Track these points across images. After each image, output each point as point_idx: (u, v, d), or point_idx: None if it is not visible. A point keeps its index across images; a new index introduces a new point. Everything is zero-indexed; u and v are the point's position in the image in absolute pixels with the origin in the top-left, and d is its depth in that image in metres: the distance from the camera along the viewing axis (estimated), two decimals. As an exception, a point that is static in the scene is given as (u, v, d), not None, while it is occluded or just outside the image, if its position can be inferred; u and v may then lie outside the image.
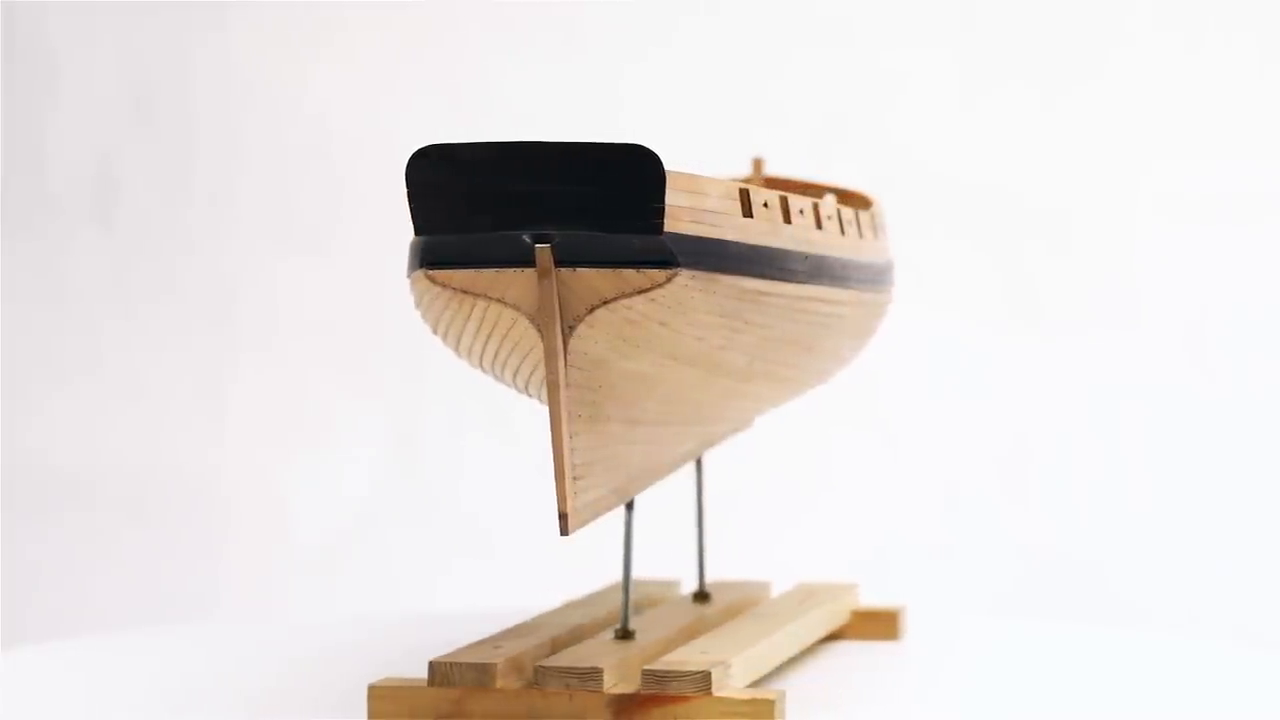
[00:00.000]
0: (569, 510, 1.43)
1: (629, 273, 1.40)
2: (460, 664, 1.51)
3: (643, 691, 1.47)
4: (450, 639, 1.69)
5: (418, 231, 1.41)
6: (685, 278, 1.41)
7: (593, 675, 1.48)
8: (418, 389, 2.97)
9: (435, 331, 1.53)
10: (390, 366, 2.98)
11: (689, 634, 1.67)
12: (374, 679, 1.57)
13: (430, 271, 1.44)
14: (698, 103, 2.96)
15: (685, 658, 1.52)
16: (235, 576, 3.01)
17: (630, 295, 1.41)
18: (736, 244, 1.45)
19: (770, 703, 1.45)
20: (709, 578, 1.94)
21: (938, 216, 2.85)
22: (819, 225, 1.59)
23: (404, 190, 1.41)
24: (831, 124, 2.90)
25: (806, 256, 1.55)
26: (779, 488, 2.87)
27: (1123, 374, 2.84)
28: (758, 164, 2.05)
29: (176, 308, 3.03)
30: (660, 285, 1.40)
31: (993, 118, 2.89)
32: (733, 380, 1.59)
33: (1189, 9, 2.85)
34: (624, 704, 1.48)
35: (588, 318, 1.42)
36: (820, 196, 1.95)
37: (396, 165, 1.44)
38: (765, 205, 1.50)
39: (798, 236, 1.54)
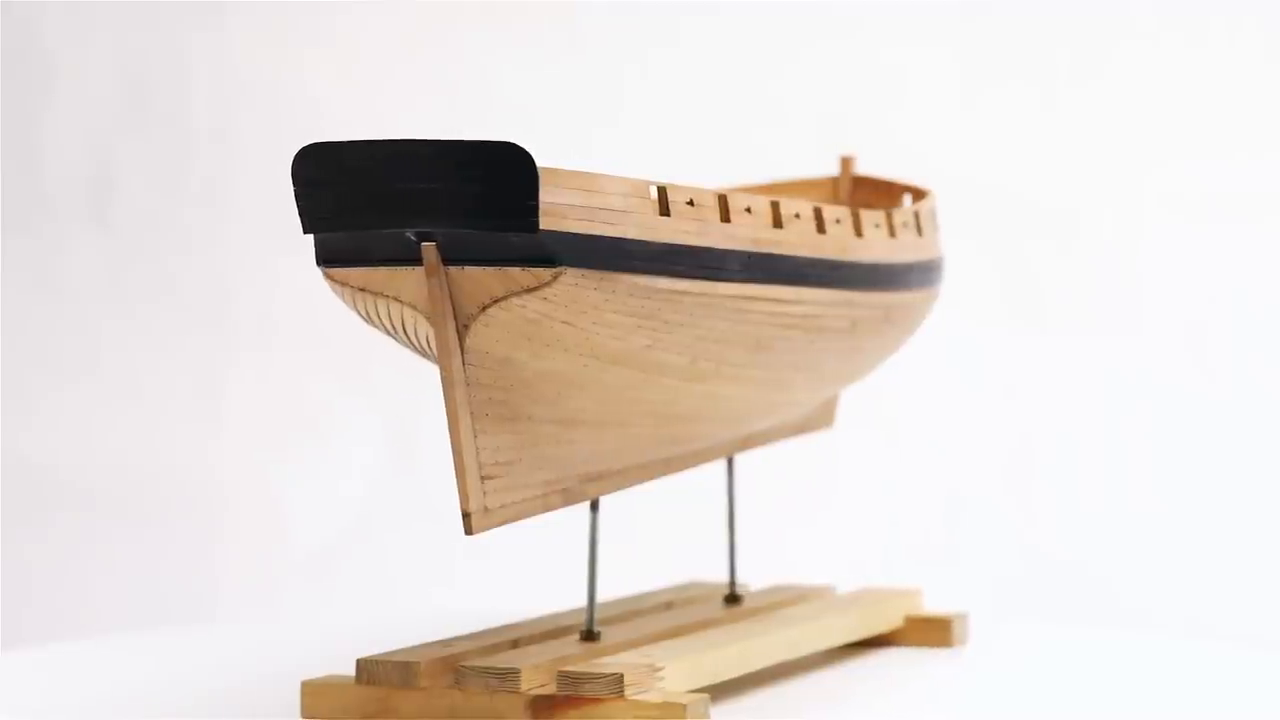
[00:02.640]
0: (472, 509, 1.43)
1: (515, 271, 1.40)
2: (386, 662, 1.52)
3: (559, 693, 1.47)
4: (436, 639, 1.68)
5: (304, 230, 1.43)
6: (574, 276, 1.40)
7: (510, 676, 1.48)
8: (415, 389, 2.96)
9: (369, 324, 1.54)
10: (387, 366, 2.96)
11: (663, 637, 1.66)
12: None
13: (328, 270, 1.46)
14: (698, 102, 2.95)
15: (611, 660, 1.52)
16: (232, 577, 3.00)
17: (520, 294, 1.40)
18: (643, 242, 1.44)
19: (681, 707, 1.44)
20: (775, 580, 1.94)
21: (940, 216, 2.84)
22: (777, 224, 1.57)
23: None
24: (832, 123, 2.89)
25: (749, 255, 1.53)
26: (781, 489, 2.86)
27: (1127, 374, 2.83)
28: (846, 162, 2.03)
29: (173, 307, 3.02)
30: (548, 284, 1.40)
31: (994, 117, 2.88)
32: (683, 381, 1.57)
33: (1193, 7, 2.84)
34: (541, 705, 1.48)
35: (481, 316, 1.42)
36: (899, 196, 1.93)
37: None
38: (690, 203, 1.48)
39: (738, 235, 1.52)
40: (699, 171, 2.50)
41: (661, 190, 1.47)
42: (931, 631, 1.88)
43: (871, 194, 1.98)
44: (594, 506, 1.62)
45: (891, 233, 1.74)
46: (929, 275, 1.85)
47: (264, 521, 3.00)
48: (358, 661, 1.53)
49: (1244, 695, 1.72)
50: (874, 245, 1.71)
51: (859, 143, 2.86)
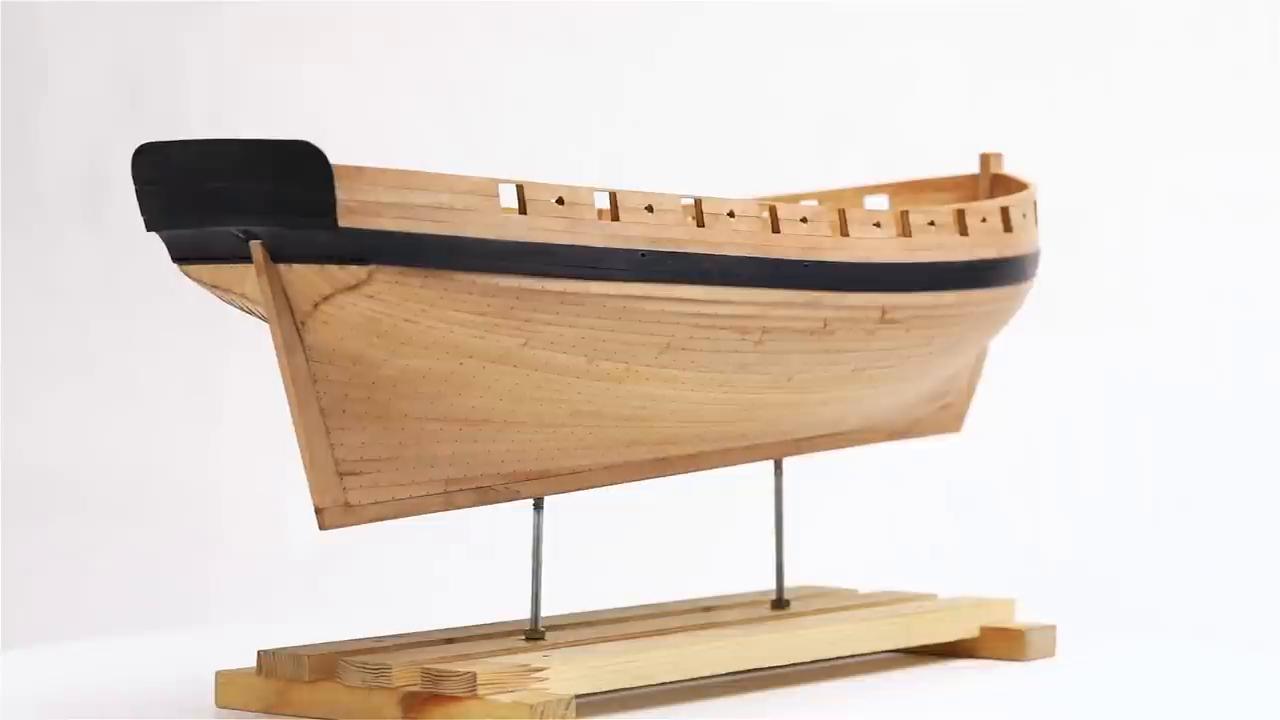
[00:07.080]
0: (325, 505, 1.46)
1: (333, 268, 1.41)
2: (282, 655, 1.54)
3: (423, 690, 1.49)
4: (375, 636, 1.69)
5: (146, 228, 1.45)
6: (392, 274, 1.41)
7: (383, 672, 1.50)
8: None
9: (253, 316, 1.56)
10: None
11: (622, 638, 1.64)
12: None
13: (181, 266, 1.48)
14: (699, 101, 2.94)
15: (487, 661, 1.52)
16: (228, 578, 3.00)
17: (345, 291, 1.42)
18: (484, 240, 1.44)
19: (528, 707, 1.45)
20: (878, 586, 1.95)
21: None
22: (699, 223, 1.55)
23: None
24: (834, 122, 2.89)
25: (643, 254, 1.52)
26: (784, 491, 2.85)
27: (1131, 373, 2.82)
28: (986, 160, 2.00)
29: (168, 307, 3.02)
30: (365, 282, 1.41)
31: (998, 115, 2.87)
32: (597, 381, 1.56)
33: (1199, 4, 2.83)
34: (410, 702, 1.49)
35: (316, 313, 1.43)
36: (1023, 188, 1.89)
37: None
38: (560, 201, 1.48)
39: (629, 234, 1.51)
40: (718, 174, 2.49)
41: (520, 188, 1.47)
42: (1004, 643, 1.85)
43: (1010, 192, 1.95)
44: (538, 506, 1.62)
45: (905, 231, 1.70)
46: (977, 275, 1.78)
47: (260, 522, 2.99)
48: (258, 653, 1.55)
49: (1252, 698, 1.72)
50: (867, 244, 1.67)
51: (861, 141, 2.86)
